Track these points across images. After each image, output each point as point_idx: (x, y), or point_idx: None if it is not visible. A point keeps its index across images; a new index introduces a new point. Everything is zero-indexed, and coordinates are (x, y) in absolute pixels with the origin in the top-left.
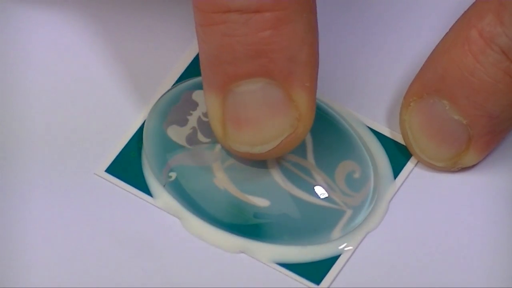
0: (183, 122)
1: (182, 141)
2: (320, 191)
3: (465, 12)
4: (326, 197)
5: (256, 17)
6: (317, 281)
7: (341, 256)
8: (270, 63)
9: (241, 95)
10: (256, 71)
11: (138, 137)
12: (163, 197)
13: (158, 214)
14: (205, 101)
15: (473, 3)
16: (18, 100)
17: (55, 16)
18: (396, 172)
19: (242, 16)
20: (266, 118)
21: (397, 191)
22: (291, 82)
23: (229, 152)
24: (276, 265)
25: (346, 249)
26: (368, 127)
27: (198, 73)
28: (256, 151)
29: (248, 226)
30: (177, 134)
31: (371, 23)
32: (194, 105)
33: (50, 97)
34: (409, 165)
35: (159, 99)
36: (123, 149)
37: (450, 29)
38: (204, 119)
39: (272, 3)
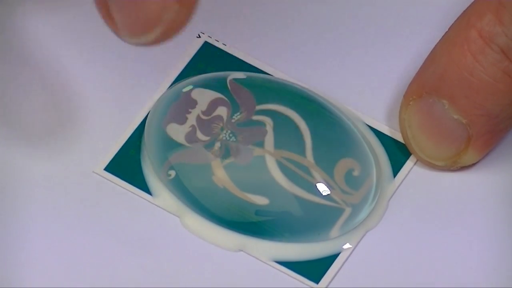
0: (182, 120)
1: (181, 139)
2: (322, 188)
3: (465, 11)
4: (326, 195)
5: None
6: (316, 279)
7: (340, 254)
8: None
9: None
10: None
11: (137, 135)
12: (163, 195)
13: (157, 213)
14: None
15: (472, 3)
16: (17, 98)
17: (55, 15)
18: (395, 170)
19: None
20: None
21: (397, 189)
22: None
23: (228, 150)
24: (275, 263)
25: (345, 247)
26: (368, 125)
27: (197, 72)
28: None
29: (248, 223)
30: (176, 132)
31: (371, 22)
32: (193, 103)
33: (49, 95)
34: (409, 163)
35: (160, 97)
36: (122, 148)
37: (450, 28)
38: (203, 117)
39: None
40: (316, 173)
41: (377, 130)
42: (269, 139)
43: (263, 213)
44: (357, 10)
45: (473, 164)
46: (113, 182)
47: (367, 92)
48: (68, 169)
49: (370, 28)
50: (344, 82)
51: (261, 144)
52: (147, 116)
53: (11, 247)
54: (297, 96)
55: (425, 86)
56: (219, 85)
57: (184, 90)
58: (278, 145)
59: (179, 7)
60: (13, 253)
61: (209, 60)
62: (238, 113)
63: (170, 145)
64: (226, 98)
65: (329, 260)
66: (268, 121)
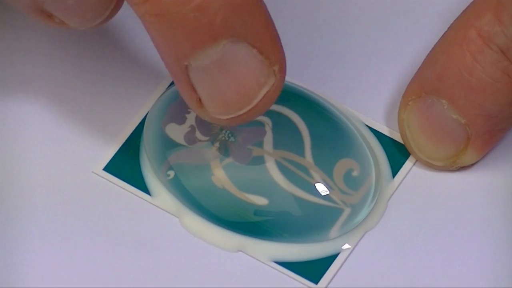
0: (181, 120)
1: (180, 139)
2: (322, 188)
3: (464, 11)
4: (325, 195)
5: None
6: (315, 280)
7: (340, 255)
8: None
9: (201, 67)
10: (210, 35)
11: (136, 135)
12: (162, 195)
13: (156, 213)
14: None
15: (472, 2)
16: (17, 98)
17: None
18: (394, 171)
19: None
20: (238, 79)
21: (396, 190)
22: (255, 35)
23: (227, 150)
24: (274, 263)
25: (344, 247)
26: (367, 125)
27: None
28: (240, 114)
29: (247, 223)
30: (175, 132)
31: (370, 22)
32: None
33: (49, 95)
34: (408, 164)
35: (159, 97)
36: (121, 148)
37: (449, 28)
38: None
39: None
40: (315, 173)
41: (376, 131)
42: (268, 139)
43: (262, 213)
44: (356, 10)
45: (472, 165)
46: (112, 182)
47: (366, 92)
48: (67, 169)
49: (370, 28)
50: (343, 82)
51: (260, 144)
52: (146, 116)
53: (10, 247)
54: (296, 96)
55: (424, 86)
56: None
57: None
58: (277, 145)
59: (279, 77)
60: (12, 253)
61: None
62: None
63: (169, 145)
64: None
65: (328, 261)
66: (267, 122)
